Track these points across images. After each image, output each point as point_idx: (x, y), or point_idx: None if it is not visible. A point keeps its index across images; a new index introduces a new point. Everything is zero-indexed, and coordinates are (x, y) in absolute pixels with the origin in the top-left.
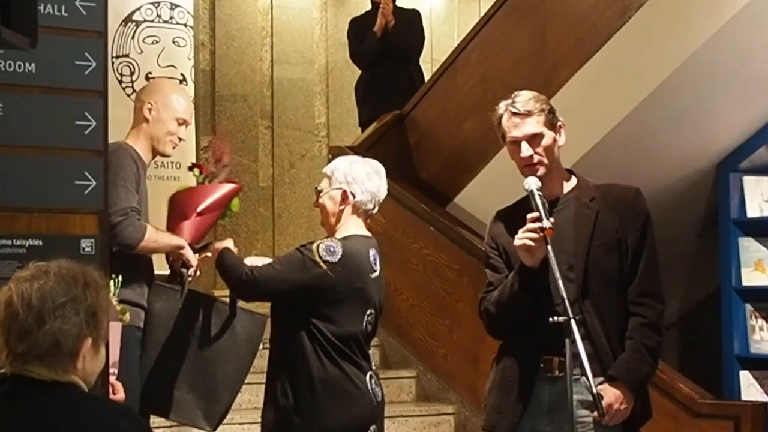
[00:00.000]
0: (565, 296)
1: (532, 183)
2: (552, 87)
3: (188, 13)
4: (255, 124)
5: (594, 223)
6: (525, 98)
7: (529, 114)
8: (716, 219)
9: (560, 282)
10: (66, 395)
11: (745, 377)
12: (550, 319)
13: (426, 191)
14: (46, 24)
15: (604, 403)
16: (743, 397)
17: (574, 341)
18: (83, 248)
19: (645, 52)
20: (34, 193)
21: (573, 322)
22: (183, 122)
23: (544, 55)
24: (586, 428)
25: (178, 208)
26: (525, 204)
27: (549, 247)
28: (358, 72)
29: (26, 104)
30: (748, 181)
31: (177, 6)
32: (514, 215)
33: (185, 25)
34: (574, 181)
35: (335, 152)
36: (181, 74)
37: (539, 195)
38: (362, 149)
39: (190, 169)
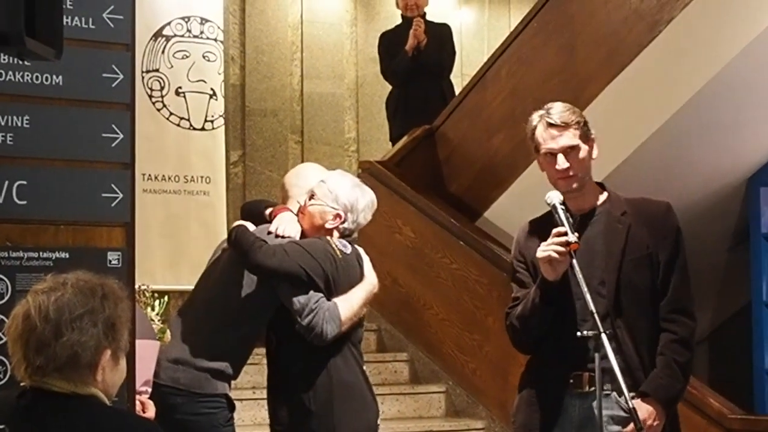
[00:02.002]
0: (594, 311)
1: (555, 197)
2: (582, 102)
3: (218, 28)
4: (285, 138)
5: (626, 237)
6: (561, 110)
7: (566, 126)
8: (747, 233)
9: (588, 296)
10: (85, 408)
11: None
12: (581, 333)
13: (456, 205)
14: (74, 36)
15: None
16: None
17: (604, 356)
18: (110, 261)
19: (674, 67)
20: (60, 205)
21: (604, 337)
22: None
23: (573, 69)
24: None
25: None
26: (553, 216)
27: (575, 262)
28: (388, 87)
29: (53, 117)
30: None
31: (207, 21)
32: (544, 228)
33: (215, 39)
34: (605, 194)
35: (365, 167)
36: (211, 89)
37: (562, 209)
38: (392, 164)
39: None
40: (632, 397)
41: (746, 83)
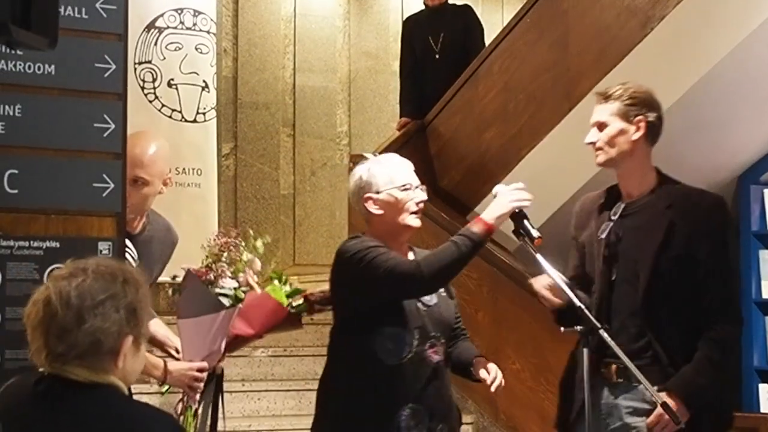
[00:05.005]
0: (582, 307)
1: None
2: (573, 97)
3: (211, 20)
4: (276, 131)
5: (665, 233)
6: (617, 85)
7: (606, 98)
8: (737, 231)
9: (571, 294)
10: (102, 397)
11: (765, 390)
12: (576, 327)
13: (446, 200)
14: (66, 26)
15: (655, 412)
16: (762, 410)
17: (592, 352)
18: (101, 251)
19: (667, 63)
20: (51, 194)
21: (604, 333)
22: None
23: (566, 65)
24: None
25: (255, 313)
26: (608, 193)
27: (539, 257)
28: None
29: (45, 106)
30: None
31: (200, 13)
32: (594, 204)
33: (208, 32)
34: (655, 182)
35: (356, 161)
36: (204, 81)
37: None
38: None
39: (303, 299)
40: (658, 391)
41: (737, 81)
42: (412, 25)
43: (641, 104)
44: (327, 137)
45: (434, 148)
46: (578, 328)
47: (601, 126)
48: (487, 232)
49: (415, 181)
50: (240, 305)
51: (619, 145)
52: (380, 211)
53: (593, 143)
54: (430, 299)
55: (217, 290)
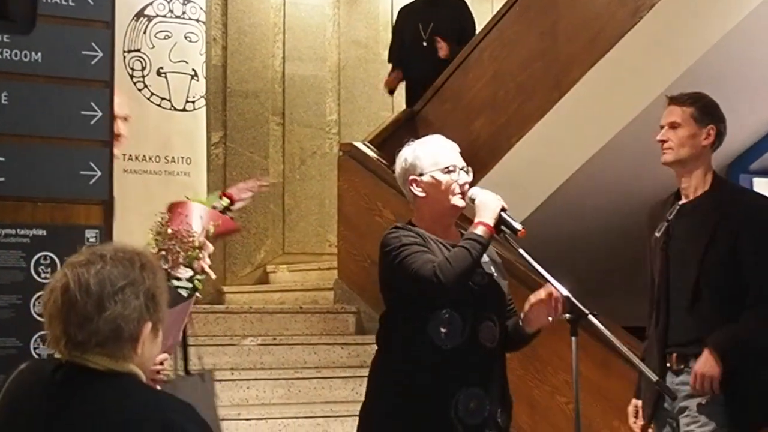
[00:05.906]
0: (569, 295)
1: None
2: (563, 86)
3: (200, 8)
4: (266, 120)
5: (711, 233)
6: (688, 93)
7: (679, 103)
8: None
9: (554, 281)
10: (122, 386)
11: None
12: (565, 315)
13: None
14: (53, 13)
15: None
16: None
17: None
18: (88, 238)
19: (656, 52)
20: (38, 182)
21: (593, 318)
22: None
23: (555, 54)
24: (691, 413)
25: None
26: (674, 195)
27: (522, 251)
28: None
29: (32, 93)
30: (759, 182)
31: (189, 1)
32: (661, 208)
33: (197, 20)
34: (709, 185)
35: (346, 149)
36: (193, 69)
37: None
38: (373, 146)
39: (221, 197)
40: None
41: (727, 70)
42: (404, 14)
43: (713, 114)
44: (316, 126)
45: (424, 137)
46: (567, 316)
47: (674, 126)
48: (490, 233)
49: (460, 162)
50: (198, 294)
51: (688, 148)
52: (423, 194)
53: (663, 141)
54: (483, 279)
55: (174, 283)
